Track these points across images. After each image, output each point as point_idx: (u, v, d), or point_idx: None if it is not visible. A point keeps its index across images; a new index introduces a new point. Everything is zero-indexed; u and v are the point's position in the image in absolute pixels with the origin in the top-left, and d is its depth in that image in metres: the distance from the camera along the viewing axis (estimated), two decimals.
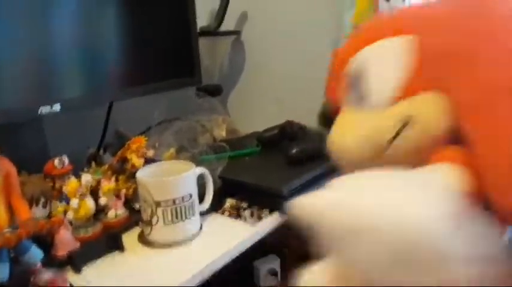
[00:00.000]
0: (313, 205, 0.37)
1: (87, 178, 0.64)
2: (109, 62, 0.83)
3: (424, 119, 0.41)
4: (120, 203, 0.68)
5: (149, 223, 0.63)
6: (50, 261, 0.55)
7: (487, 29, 0.39)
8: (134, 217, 0.68)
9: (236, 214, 0.72)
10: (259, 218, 0.71)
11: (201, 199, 0.69)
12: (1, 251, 0.47)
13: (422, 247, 0.32)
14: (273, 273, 0.91)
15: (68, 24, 0.75)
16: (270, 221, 0.70)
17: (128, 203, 0.70)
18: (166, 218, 0.62)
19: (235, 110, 1.19)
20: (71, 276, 0.56)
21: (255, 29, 1.13)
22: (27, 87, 0.69)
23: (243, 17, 1.14)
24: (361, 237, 0.34)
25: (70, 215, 0.61)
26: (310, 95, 0.72)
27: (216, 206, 0.73)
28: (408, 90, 0.42)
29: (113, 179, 0.69)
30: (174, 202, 0.62)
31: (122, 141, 0.77)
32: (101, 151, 0.87)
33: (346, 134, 0.47)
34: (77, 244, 0.57)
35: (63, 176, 0.65)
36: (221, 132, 1.01)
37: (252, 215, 0.72)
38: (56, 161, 0.65)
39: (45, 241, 0.55)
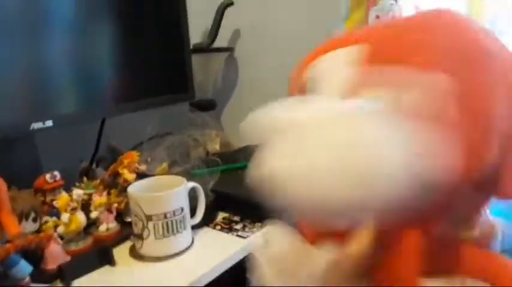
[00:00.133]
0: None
1: (78, 192, 0.64)
2: (102, 78, 0.84)
3: None
4: (111, 217, 0.68)
5: (140, 237, 0.63)
6: (40, 275, 0.54)
7: (426, 40, 0.40)
8: (126, 231, 0.68)
9: (228, 227, 0.73)
10: (251, 231, 0.71)
11: (193, 212, 0.69)
12: None
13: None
14: None
15: (61, 41, 0.76)
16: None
17: (120, 217, 0.70)
18: (158, 232, 0.62)
19: (228, 125, 1.20)
20: None
21: (247, 46, 1.15)
22: (19, 104, 0.70)
23: (236, 34, 1.16)
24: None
25: (61, 229, 0.61)
26: None
27: (208, 220, 0.73)
28: (352, 92, 0.43)
29: (105, 193, 0.69)
30: (165, 216, 0.62)
31: (114, 155, 0.78)
32: (94, 165, 0.87)
33: None
34: (67, 258, 0.57)
35: (54, 190, 0.65)
36: (215, 146, 1.02)
37: (244, 228, 0.72)
38: (48, 176, 0.65)
39: (35, 256, 0.55)
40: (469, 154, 0.33)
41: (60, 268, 0.56)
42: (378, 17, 0.87)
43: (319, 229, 0.39)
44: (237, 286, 0.91)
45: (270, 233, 0.42)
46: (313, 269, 0.38)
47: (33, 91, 0.72)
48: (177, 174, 0.73)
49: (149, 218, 0.62)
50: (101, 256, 0.62)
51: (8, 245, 0.47)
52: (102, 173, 0.80)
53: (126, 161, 0.73)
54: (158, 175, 0.75)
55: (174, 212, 0.63)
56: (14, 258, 0.50)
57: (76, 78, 0.79)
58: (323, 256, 0.37)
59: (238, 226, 0.73)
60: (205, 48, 1.11)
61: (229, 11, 1.08)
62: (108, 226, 0.67)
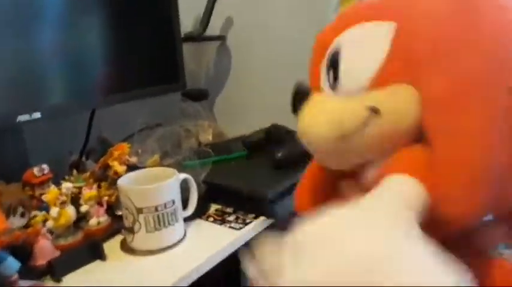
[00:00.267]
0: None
1: (67, 185, 0.63)
2: (91, 69, 0.82)
3: (393, 111, 0.41)
4: (102, 210, 0.67)
5: (131, 231, 0.62)
6: (29, 272, 0.53)
7: (469, 25, 0.39)
8: (117, 225, 0.67)
9: (221, 219, 0.72)
10: (244, 223, 0.70)
11: (185, 204, 0.68)
12: None
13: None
14: None
15: (49, 30, 0.74)
16: (255, 226, 0.70)
17: (111, 210, 0.69)
18: (149, 225, 0.61)
19: (221, 115, 1.19)
20: (50, 285, 0.55)
21: (240, 34, 1.13)
22: (5, 95, 0.68)
23: (228, 22, 1.14)
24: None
25: (50, 223, 0.60)
26: None
27: (201, 212, 0.72)
28: (382, 80, 0.41)
29: (95, 186, 0.68)
30: (156, 208, 0.61)
31: (105, 147, 0.76)
32: (84, 158, 0.86)
33: (315, 118, 0.46)
34: (57, 253, 0.56)
35: (42, 184, 0.64)
36: (207, 137, 1.00)
37: (237, 220, 0.71)
38: (36, 170, 0.64)
39: (24, 252, 0.54)
40: None
41: (49, 264, 0.55)
42: None
43: None
44: (230, 278, 0.92)
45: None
46: None
47: (19, 82, 0.70)
48: (168, 166, 0.72)
49: (140, 211, 0.61)
50: (91, 250, 0.61)
51: None
52: (92, 166, 0.78)
53: (116, 153, 0.72)
54: (149, 166, 0.74)
55: (165, 204, 0.62)
56: (1, 255, 0.49)
57: (64, 68, 0.77)
58: None
59: (231, 218, 0.72)
60: (197, 37, 1.09)
61: None
62: (98, 219, 0.66)
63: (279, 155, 0.81)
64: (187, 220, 0.68)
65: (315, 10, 0.93)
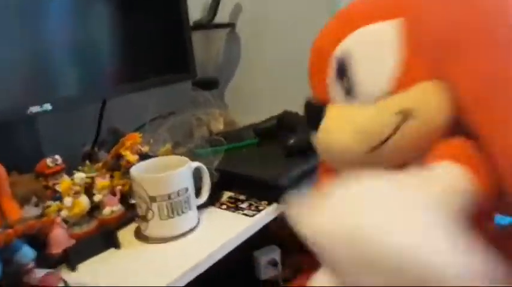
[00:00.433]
0: (313, 228, 0.36)
1: (80, 176, 0.63)
2: (101, 59, 0.82)
3: (425, 111, 0.39)
4: (115, 199, 0.67)
5: (145, 219, 0.62)
6: (45, 260, 0.54)
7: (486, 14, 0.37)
8: (130, 213, 0.68)
9: (234, 206, 0.72)
10: (258, 210, 0.69)
11: (199, 192, 0.68)
12: None
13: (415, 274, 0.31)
14: (274, 263, 0.90)
15: (59, 22, 0.74)
16: (268, 213, 0.69)
17: (125, 199, 0.69)
18: (162, 213, 0.61)
19: (232, 103, 1.18)
20: (65, 274, 0.56)
21: (249, 21, 1.11)
22: (16, 87, 0.68)
23: (237, 9, 1.12)
24: (358, 267, 0.33)
25: (64, 213, 0.60)
26: (307, 84, 0.71)
27: (214, 200, 0.72)
28: (404, 80, 0.39)
29: (108, 176, 0.68)
30: (169, 196, 0.61)
31: (116, 138, 0.76)
32: (96, 148, 0.86)
33: (339, 131, 0.44)
34: (72, 242, 0.57)
35: (55, 175, 0.64)
36: (219, 125, 1.00)
37: (250, 207, 0.71)
38: (49, 160, 0.64)
39: (39, 240, 0.54)
40: None
41: (65, 252, 0.56)
42: None
43: None
44: (244, 265, 0.92)
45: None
46: None
47: (30, 74, 0.71)
48: (180, 154, 0.72)
49: (153, 199, 0.61)
50: (105, 239, 0.61)
51: (9, 231, 0.47)
52: (104, 156, 0.79)
53: (128, 143, 0.72)
54: (162, 155, 0.74)
55: (178, 192, 0.62)
56: (17, 243, 0.49)
57: (75, 59, 0.77)
58: None
59: (244, 205, 0.71)
60: (206, 24, 1.08)
61: None
62: (112, 208, 0.66)
63: (291, 142, 0.80)
64: (200, 207, 0.68)
65: None
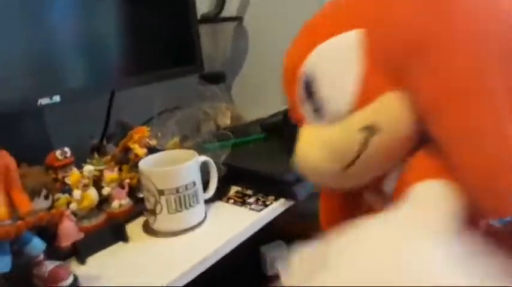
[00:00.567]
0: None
1: (89, 168, 0.63)
2: (109, 52, 0.82)
3: (388, 123, 0.38)
4: (124, 193, 0.67)
5: (153, 212, 0.63)
6: (54, 252, 0.54)
7: (446, 16, 0.36)
8: (139, 207, 0.68)
9: (241, 201, 0.72)
10: (265, 205, 0.70)
11: (206, 187, 0.68)
12: (2, 244, 0.46)
13: None
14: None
15: (69, 14, 0.74)
16: (275, 208, 0.70)
17: (133, 192, 0.70)
18: (170, 206, 0.62)
19: (239, 97, 1.18)
20: (74, 267, 0.56)
21: (257, 14, 1.11)
22: (26, 79, 0.69)
23: (245, 3, 1.12)
24: None
25: (73, 206, 0.60)
26: None
27: (221, 194, 0.72)
28: (366, 95, 0.38)
29: (116, 169, 0.68)
30: (177, 190, 0.61)
31: (124, 131, 0.76)
32: (104, 141, 0.87)
33: (311, 151, 0.43)
34: (81, 235, 0.57)
35: (65, 167, 0.64)
36: (225, 120, 1.00)
37: (257, 202, 0.71)
38: (58, 153, 0.64)
39: (49, 233, 0.55)
40: None
41: (74, 246, 0.56)
42: None
43: None
44: (251, 260, 0.92)
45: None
46: None
47: (40, 66, 0.70)
48: (188, 148, 0.72)
49: (161, 192, 0.61)
50: (114, 232, 0.62)
51: (19, 223, 0.47)
52: (112, 150, 0.79)
53: (136, 136, 0.72)
54: (169, 149, 0.74)
55: (186, 186, 0.62)
56: (27, 236, 0.49)
57: (83, 52, 0.77)
58: None
59: (251, 200, 0.72)
60: (213, 18, 1.08)
61: None
62: (120, 202, 0.66)
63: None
64: (207, 202, 0.68)
65: None
